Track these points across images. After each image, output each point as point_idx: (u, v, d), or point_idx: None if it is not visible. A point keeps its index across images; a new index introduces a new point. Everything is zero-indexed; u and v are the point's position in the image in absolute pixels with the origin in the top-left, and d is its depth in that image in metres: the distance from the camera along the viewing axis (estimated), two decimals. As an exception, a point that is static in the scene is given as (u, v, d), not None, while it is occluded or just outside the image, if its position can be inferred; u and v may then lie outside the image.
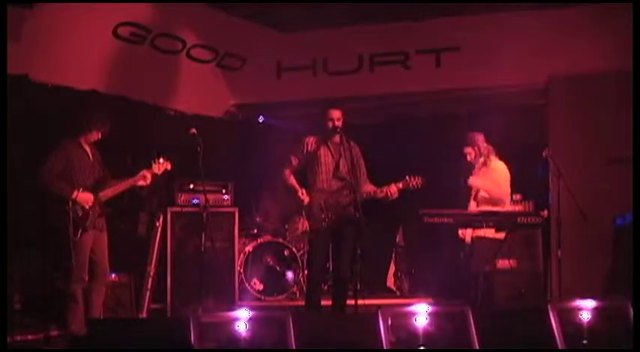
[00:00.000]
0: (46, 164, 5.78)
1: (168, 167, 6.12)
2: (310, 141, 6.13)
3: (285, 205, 8.43)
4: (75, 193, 5.72)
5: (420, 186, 6.02)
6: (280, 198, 8.52)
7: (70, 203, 5.67)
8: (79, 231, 5.71)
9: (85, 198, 5.77)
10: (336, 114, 6.00)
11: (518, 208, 7.08)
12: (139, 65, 7.39)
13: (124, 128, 7.02)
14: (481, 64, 7.61)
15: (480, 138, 6.61)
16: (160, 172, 6.08)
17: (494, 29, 7.52)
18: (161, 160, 6.06)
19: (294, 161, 6.12)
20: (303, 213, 6.05)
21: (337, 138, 6.04)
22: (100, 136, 6.00)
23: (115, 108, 6.59)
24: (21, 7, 6.30)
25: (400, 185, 6.02)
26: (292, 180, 6.09)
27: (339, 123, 5.98)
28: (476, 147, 6.58)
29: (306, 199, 5.95)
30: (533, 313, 5.08)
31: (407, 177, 6.02)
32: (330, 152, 6.05)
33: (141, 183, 6.02)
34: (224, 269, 7.38)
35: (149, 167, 6.02)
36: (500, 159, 6.61)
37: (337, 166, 6.02)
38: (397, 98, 8.30)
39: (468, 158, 6.63)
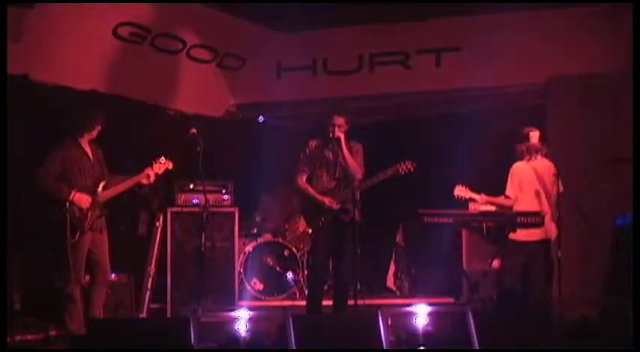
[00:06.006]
0: (44, 165, 5.76)
1: (170, 166, 6.12)
2: (313, 143, 6.13)
3: (285, 205, 8.44)
4: (72, 194, 5.71)
5: (413, 169, 5.99)
6: (280, 198, 8.53)
7: (67, 204, 5.66)
8: (77, 233, 5.70)
9: (82, 198, 5.75)
10: (338, 120, 5.96)
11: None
12: (139, 65, 7.39)
13: (123, 128, 7.03)
14: (481, 64, 7.60)
15: (532, 135, 6.59)
16: (161, 172, 6.07)
17: (494, 29, 7.51)
18: (162, 160, 6.06)
19: (306, 168, 6.10)
20: (301, 212, 6.06)
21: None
22: (98, 132, 5.97)
23: (115, 108, 6.59)
24: (21, 7, 6.30)
25: (388, 172, 6.00)
26: (310, 189, 6.04)
27: (339, 132, 5.94)
28: (528, 146, 6.58)
29: (336, 206, 5.94)
30: (532, 313, 5.09)
31: (398, 164, 5.99)
32: (332, 153, 6.05)
33: (144, 181, 6.02)
34: (224, 269, 7.38)
35: (151, 166, 6.02)
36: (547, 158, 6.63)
37: (337, 167, 6.02)
38: (397, 98, 8.29)
39: (519, 155, 6.62)
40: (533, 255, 6.36)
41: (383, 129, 8.54)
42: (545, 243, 6.38)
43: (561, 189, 6.32)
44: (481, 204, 6.56)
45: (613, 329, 5.10)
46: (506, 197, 6.45)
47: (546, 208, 6.42)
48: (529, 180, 6.47)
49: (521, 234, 6.28)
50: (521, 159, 6.49)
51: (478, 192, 6.50)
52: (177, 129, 6.99)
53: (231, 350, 4.50)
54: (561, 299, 6.07)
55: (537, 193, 6.44)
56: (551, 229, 6.31)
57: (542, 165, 6.53)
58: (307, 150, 6.13)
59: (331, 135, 5.95)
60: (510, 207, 6.42)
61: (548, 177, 6.50)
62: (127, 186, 6.02)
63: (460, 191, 6.46)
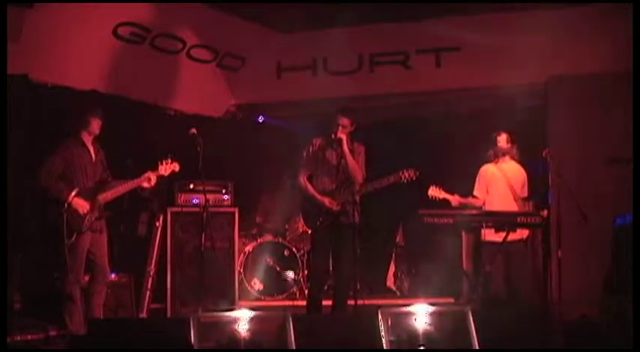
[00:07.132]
0: (45, 165, 5.75)
1: (176, 168, 6.07)
2: (317, 142, 6.13)
3: (285, 205, 8.43)
4: (71, 196, 5.69)
5: (414, 178, 6.00)
6: (280, 198, 8.53)
7: (66, 205, 5.64)
8: (74, 234, 5.68)
9: (80, 204, 5.72)
10: (343, 121, 5.97)
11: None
12: (139, 65, 7.39)
13: (124, 128, 7.03)
14: (481, 64, 7.61)
15: (499, 138, 6.69)
16: (167, 173, 6.04)
17: (494, 29, 7.51)
18: (169, 161, 6.03)
19: (309, 167, 6.10)
20: (301, 212, 6.06)
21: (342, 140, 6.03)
22: (99, 126, 5.92)
23: (115, 109, 6.59)
24: (21, 7, 6.30)
25: (390, 179, 6.00)
26: (311, 189, 6.05)
27: (342, 133, 5.93)
28: (495, 149, 6.71)
29: (336, 207, 5.94)
30: (532, 313, 5.09)
31: (400, 172, 6.00)
32: (334, 154, 6.05)
33: (145, 185, 5.97)
34: (224, 269, 7.38)
35: (155, 168, 5.98)
36: (517, 161, 6.76)
37: (339, 168, 6.01)
38: (397, 98, 8.30)
39: (488, 158, 6.72)
40: (512, 254, 6.43)
41: (382, 129, 8.54)
42: (521, 242, 6.47)
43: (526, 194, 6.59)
44: (454, 204, 6.64)
45: (613, 329, 5.10)
46: (474, 197, 6.61)
47: (514, 209, 6.53)
48: (496, 182, 6.65)
49: (496, 235, 6.32)
50: (490, 161, 6.67)
51: (452, 193, 6.60)
52: (177, 129, 6.99)
53: (231, 350, 4.49)
54: (561, 299, 6.07)
55: (505, 194, 6.58)
56: (522, 229, 6.43)
57: (512, 167, 6.72)
58: (311, 148, 6.12)
59: (333, 135, 5.95)
60: (481, 207, 6.57)
61: (516, 180, 6.65)
62: (128, 189, 5.99)
63: (434, 191, 6.56)
